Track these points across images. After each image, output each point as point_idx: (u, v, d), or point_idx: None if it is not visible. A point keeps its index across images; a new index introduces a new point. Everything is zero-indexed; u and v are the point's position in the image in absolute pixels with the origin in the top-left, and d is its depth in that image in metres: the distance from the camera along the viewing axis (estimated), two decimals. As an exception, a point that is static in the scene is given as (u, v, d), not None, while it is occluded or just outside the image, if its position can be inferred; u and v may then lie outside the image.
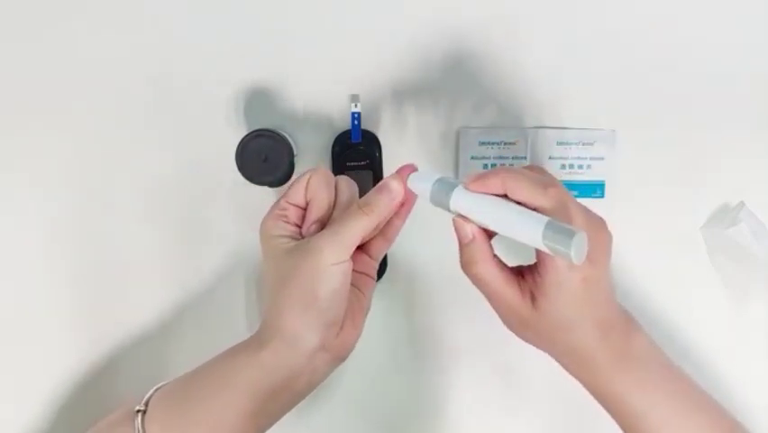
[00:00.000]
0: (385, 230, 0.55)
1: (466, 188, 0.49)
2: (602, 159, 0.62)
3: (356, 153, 0.61)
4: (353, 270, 0.53)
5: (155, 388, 0.52)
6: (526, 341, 0.53)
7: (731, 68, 0.62)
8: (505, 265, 0.51)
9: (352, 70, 0.62)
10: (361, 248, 0.55)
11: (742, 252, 0.60)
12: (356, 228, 0.50)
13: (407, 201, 0.54)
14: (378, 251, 0.55)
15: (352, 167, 0.61)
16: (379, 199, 0.51)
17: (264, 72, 0.62)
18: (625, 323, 0.52)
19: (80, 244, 0.62)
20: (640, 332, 0.53)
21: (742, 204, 0.61)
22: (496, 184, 0.48)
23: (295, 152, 0.59)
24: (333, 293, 0.50)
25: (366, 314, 0.55)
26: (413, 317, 0.63)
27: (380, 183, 0.52)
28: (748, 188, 0.62)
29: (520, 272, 0.51)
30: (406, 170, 0.52)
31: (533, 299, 0.50)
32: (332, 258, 0.49)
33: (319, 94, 0.62)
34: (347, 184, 0.55)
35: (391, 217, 0.54)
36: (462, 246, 0.50)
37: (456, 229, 0.50)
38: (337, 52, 0.62)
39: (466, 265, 0.51)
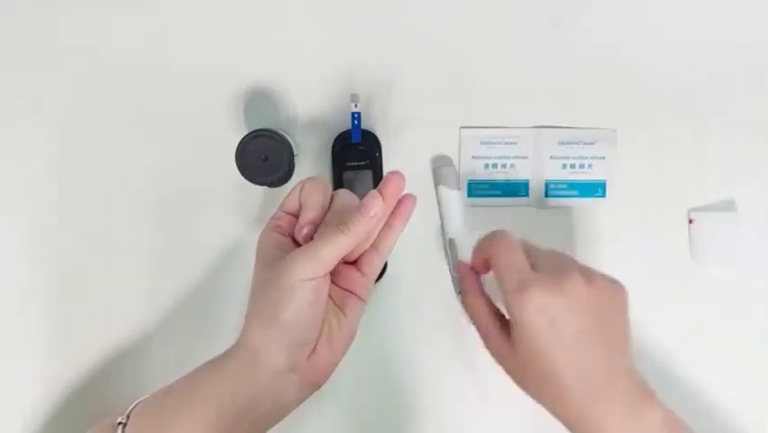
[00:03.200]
0: (377, 243, 0.54)
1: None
2: (603, 158, 0.62)
3: (356, 153, 0.61)
4: (339, 287, 0.53)
5: (139, 400, 0.51)
6: (520, 388, 0.51)
7: (731, 67, 0.62)
8: (492, 303, 0.53)
9: (352, 70, 0.62)
10: (353, 264, 0.54)
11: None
12: (331, 245, 0.49)
13: (400, 214, 0.53)
14: (370, 266, 0.54)
15: (352, 167, 0.61)
16: (356, 218, 0.50)
17: (264, 72, 0.62)
18: (636, 391, 0.48)
19: (78, 244, 0.62)
20: (655, 406, 0.48)
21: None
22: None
23: (295, 152, 0.58)
24: (297, 311, 0.48)
25: (349, 339, 0.53)
26: (414, 321, 0.62)
27: (362, 201, 0.51)
28: (749, 186, 0.62)
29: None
30: (391, 183, 0.52)
31: (509, 335, 0.50)
32: (301, 273, 0.48)
33: (319, 94, 0.62)
34: (344, 193, 0.54)
35: (383, 230, 0.53)
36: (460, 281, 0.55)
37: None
38: (337, 52, 0.62)
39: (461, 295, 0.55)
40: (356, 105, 0.59)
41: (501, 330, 0.51)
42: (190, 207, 0.62)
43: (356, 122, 0.59)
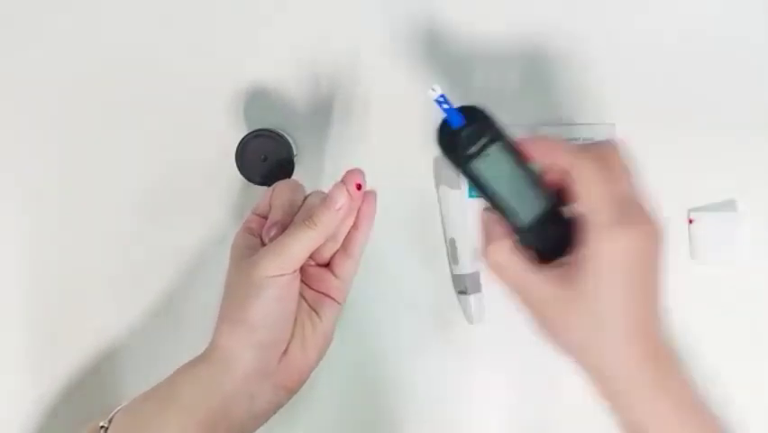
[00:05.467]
0: (346, 244, 0.53)
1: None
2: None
3: (469, 137, 0.46)
4: (313, 289, 0.53)
5: (123, 404, 0.52)
6: (561, 347, 0.46)
7: (731, 63, 0.62)
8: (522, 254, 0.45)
9: (353, 70, 0.62)
10: (325, 267, 0.54)
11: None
12: (297, 241, 0.48)
13: (363, 214, 0.53)
14: (342, 269, 0.54)
15: (475, 154, 0.46)
16: (322, 212, 0.49)
17: (264, 72, 0.62)
18: (667, 349, 0.46)
19: (77, 244, 0.62)
20: (680, 368, 0.46)
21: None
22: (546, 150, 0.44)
23: (295, 152, 0.59)
24: (265, 309, 0.48)
25: (324, 343, 0.52)
26: (413, 321, 0.62)
27: (327, 194, 0.50)
28: (749, 186, 0.61)
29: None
30: (353, 178, 0.51)
31: (568, 281, 0.44)
32: (267, 270, 0.48)
33: (319, 93, 0.62)
34: (316, 193, 0.53)
35: (351, 231, 0.53)
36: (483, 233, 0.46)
37: (482, 220, 0.46)
38: (337, 52, 0.62)
39: (483, 251, 0.46)
40: (435, 90, 0.45)
41: (538, 274, 0.45)
42: (190, 207, 0.62)
43: (446, 105, 0.46)
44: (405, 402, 0.62)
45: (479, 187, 0.46)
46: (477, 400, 0.62)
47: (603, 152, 0.44)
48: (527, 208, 0.46)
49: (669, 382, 0.45)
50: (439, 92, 0.45)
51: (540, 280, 0.45)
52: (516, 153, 0.45)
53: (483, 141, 0.46)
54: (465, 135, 0.46)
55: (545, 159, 0.45)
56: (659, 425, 0.44)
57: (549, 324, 0.46)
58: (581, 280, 0.43)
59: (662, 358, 0.45)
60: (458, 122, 0.46)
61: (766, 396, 0.61)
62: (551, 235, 0.46)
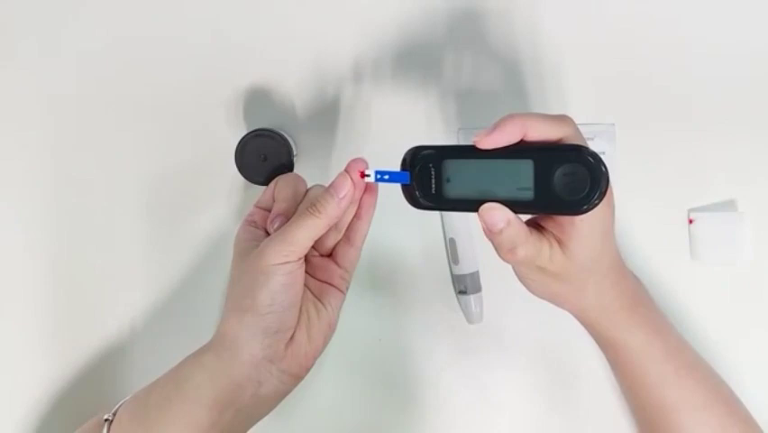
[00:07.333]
0: (348, 234, 0.54)
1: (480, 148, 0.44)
2: (603, 153, 0.62)
3: (422, 177, 0.48)
4: (317, 279, 0.53)
5: (128, 397, 0.52)
6: (557, 300, 0.51)
7: (732, 66, 0.62)
8: (529, 228, 0.46)
9: (353, 70, 0.62)
10: (328, 257, 0.54)
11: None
12: (302, 228, 0.49)
13: (365, 204, 0.53)
14: (345, 258, 0.54)
15: (439, 182, 0.48)
16: (326, 199, 0.49)
17: (264, 72, 0.62)
18: (625, 267, 0.53)
19: (77, 244, 0.63)
20: (634, 276, 0.54)
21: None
22: (514, 130, 0.44)
23: (295, 152, 0.59)
24: (272, 295, 0.48)
25: (329, 330, 0.53)
26: (414, 320, 0.63)
27: (331, 183, 0.50)
28: (749, 186, 0.61)
29: (537, 225, 0.48)
30: (356, 166, 0.50)
31: (561, 245, 0.47)
32: (273, 258, 0.48)
33: (319, 93, 0.62)
34: (318, 186, 0.54)
35: (353, 221, 0.53)
36: (496, 235, 0.45)
37: (485, 219, 0.45)
38: (337, 52, 0.62)
39: (507, 253, 0.46)
40: (369, 175, 0.50)
41: (551, 247, 0.47)
42: (190, 206, 0.62)
43: (387, 177, 0.49)
44: (404, 402, 0.62)
45: (467, 203, 0.46)
46: (476, 400, 0.62)
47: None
48: (515, 187, 0.45)
49: (642, 309, 0.53)
50: (372, 173, 0.49)
51: (545, 249, 0.47)
52: (473, 153, 0.45)
53: (434, 171, 0.47)
54: (418, 180, 0.48)
55: (516, 138, 0.44)
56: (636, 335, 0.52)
57: (552, 281, 0.49)
58: (575, 243, 0.46)
59: (628, 276, 0.53)
60: (406, 178, 0.48)
61: (767, 396, 0.61)
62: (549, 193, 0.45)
